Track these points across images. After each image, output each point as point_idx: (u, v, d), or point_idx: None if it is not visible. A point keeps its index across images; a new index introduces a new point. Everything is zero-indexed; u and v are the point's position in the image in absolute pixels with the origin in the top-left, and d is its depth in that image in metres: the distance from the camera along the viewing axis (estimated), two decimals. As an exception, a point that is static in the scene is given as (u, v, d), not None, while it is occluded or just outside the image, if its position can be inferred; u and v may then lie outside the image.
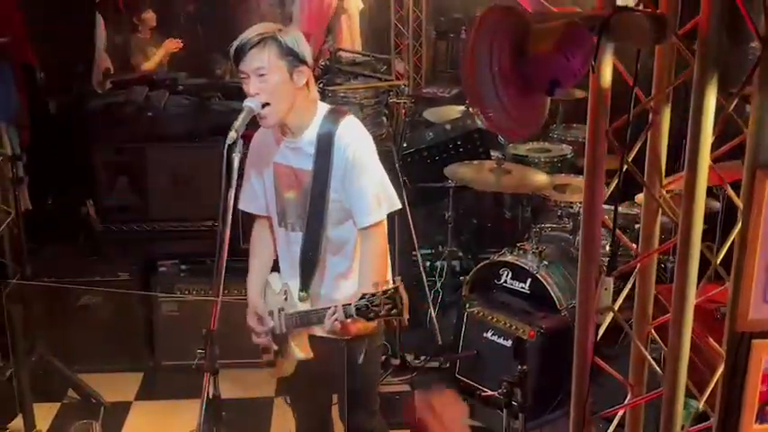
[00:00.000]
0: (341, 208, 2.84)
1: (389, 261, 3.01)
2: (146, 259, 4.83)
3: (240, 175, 2.72)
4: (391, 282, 2.60)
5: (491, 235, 5.47)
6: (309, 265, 2.89)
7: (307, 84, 2.77)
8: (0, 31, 4.76)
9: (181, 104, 5.13)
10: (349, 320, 2.66)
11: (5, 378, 4.43)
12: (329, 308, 2.72)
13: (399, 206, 2.95)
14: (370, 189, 2.81)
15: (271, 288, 3.04)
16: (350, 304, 2.62)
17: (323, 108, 2.87)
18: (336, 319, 2.67)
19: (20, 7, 5.00)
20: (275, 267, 3.12)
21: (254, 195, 3.03)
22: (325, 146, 2.78)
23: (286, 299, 2.93)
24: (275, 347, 3.03)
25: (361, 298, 2.59)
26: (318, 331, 2.92)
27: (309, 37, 3.47)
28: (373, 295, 2.56)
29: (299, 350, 2.94)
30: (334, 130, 2.79)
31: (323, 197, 2.81)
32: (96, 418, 3.44)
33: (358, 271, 2.93)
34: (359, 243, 2.91)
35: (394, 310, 2.54)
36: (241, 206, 3.04)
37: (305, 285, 2.91)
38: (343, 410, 3.21)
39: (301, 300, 2.90)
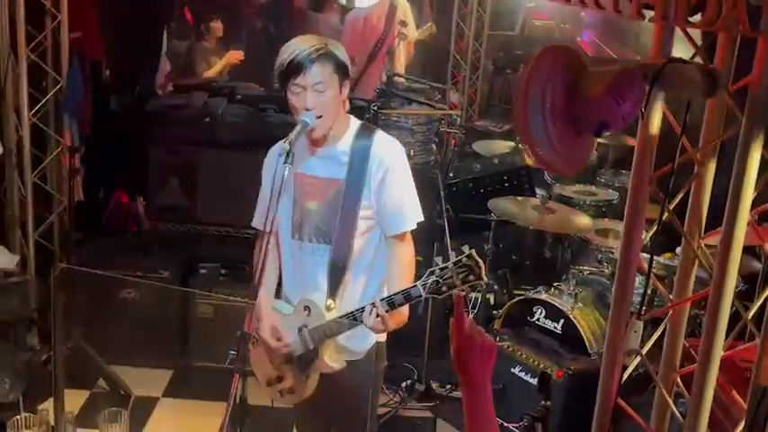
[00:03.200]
0: (369, 216, 2.88)
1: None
2: (188, 260, 4.94)
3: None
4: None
5: (528, 272, 5.46)
6: (339, 273, 2.90)
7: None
8: (74, 27, 4.95)
9: (237, 113, 5.24)
10: (387, 314, 2.62)
11: (40, 362, 4.56)
12: (393, 296, 2.67)
13: (422, 218, 2.95)
14: (406, 198, 2.89)
15: (279, 312, 3.01)
16: (415, 286, 2.57)
17: (355, 121, 2.95)
18: (377, 315, 2.63)
19: (95, 6, 5.19)
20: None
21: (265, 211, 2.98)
22: (360, 156, 2.84)
23: (309, 314, 2.90)
24: (293, 372, 3.02)
25: (429, 274, 2.50)
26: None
27: (352, 60, 3.54)
28: (443, 269, 2.49)
29: (333, 361, 2.92)
30: (370, 142, 2.86)
31: (355, 206, 2.85)
32: (126, 409, 3.52)
33: (379, 280, 2.98)
34: (385, 252, 2.94)
35: (471, 276, 2.47)
36: (257, 225, 3.07)
37: (332, 294, 2.91)
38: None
39: (328, 309, 2.89)
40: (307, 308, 2.91)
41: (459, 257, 2.49)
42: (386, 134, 2.97)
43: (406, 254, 2.93)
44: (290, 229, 2.98)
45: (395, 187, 2.87)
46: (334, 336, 2.88)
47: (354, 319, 2.76)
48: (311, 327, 2.89)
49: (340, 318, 2.82)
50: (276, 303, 3.06)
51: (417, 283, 2.57)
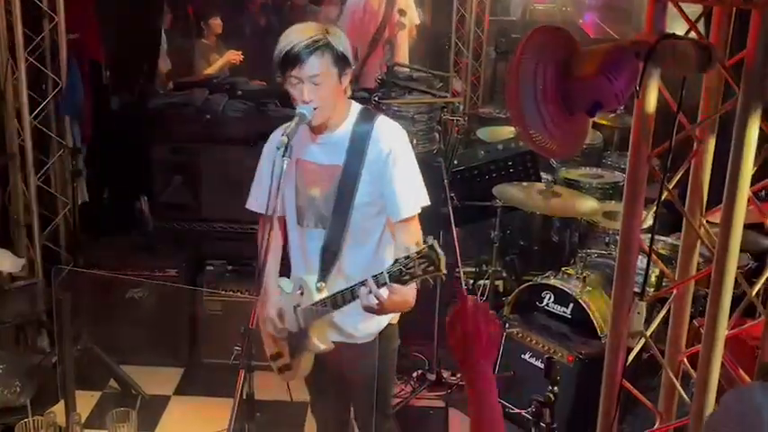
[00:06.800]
0: (372, 202, 2.85)
1: None
2: (194, 257, 4.93)
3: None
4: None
5: (536, 257, 5.43)
6: (331, 257, 2.89)
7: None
8: (72, 28, 4.94)
9: (238, 109, 5.22)
10: (384, 294, 2.53)
11: (51, 364, 4.56)
12: (356, 285, 2.63)
13: (429, 202, 2.90)
14: (408, 182, 2.83)
15: (282, 291, 3.03)
16: (381, 273, 2.51)
17: (356, 106, 2.92)
18: (371, 292, 2.55)
19: (92, 7, 5.17)
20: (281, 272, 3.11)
21: (265, 194, 2.92)
22: (359, 141, 2.81)
23: (302, 294, 2.90)
24: (288, 349, 3.04)
25: (395, 263, 2.47)
26: (337, 336, 2.97)
27: (354, 50, 3.52)
28: (406, 257, 2.45)
29: (320, 342, 2.90)
30: (371, 126, 2.83)
31: (351, 192, 2.82)
32: (134, 409, 3.52)
33: (382, 265, 2.87)
34: (393, 235, 2.89)
35: (431, 267, 2.42)
36: (252, 206, 3.07)
37: (323, 277, 2.89)
38: (360, 414, 3.24)
39: (318, 290, 2.87)
40: (301, 287, 2.92)
41: (421, 249, 2.44)
42: (388, 118, 2.94)
43: (412, 237, 2.81)
44: (296, 216, 2.98)
45: (396, 172, 2.82)
46: (322, 317, 2.85)
47: (352, 296, 2.69)
48: (303, 306, 2.90)
49: (329, 296, 2.79)
50: (281, 281, 3.07)
51: (384, 270, 2.51)
